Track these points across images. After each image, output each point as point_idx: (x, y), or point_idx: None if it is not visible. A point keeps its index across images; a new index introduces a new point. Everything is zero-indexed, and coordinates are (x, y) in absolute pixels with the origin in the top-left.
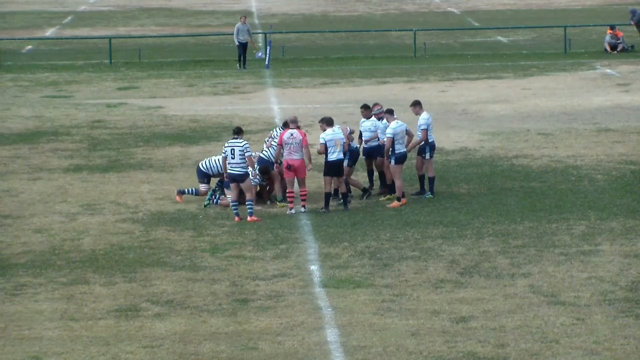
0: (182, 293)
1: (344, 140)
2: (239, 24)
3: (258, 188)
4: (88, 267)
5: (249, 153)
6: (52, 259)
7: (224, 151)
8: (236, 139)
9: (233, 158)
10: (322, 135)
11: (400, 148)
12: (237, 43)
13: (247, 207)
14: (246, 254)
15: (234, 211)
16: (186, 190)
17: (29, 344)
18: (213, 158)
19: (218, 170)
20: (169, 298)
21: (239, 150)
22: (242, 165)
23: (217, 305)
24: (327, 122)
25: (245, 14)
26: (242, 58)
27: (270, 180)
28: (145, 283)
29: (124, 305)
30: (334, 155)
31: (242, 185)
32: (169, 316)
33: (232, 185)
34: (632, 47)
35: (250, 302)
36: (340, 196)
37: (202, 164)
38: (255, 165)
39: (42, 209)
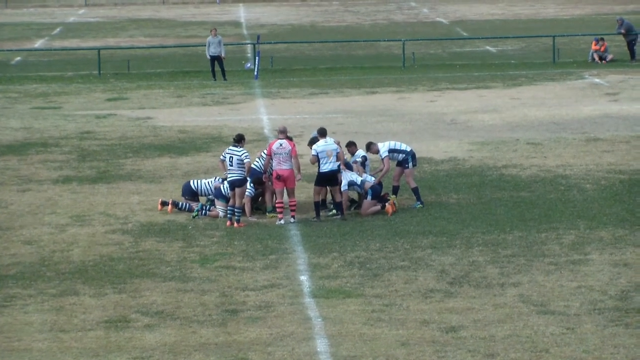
0: (171, 304)
1: (338, 150)
2: (210, 37)
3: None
4: (78, 279)
5: (248, 160)
6: (42, 271)
7: (222, 156)
8: (236, 147)
9: (231, 165)
10: (314, 146)
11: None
12: (208, 57)
13: (235, 213)
14: (236, 265)
15: (229, 216)
16: (180, 204)
17: (19, 355)
18: (204, 181)
19: (207, 192)
20: (158, 309)
21: (237, 159)
22: (239, 172)
23: (206, 316)
24: (320, 133)
25: (216, 27)
26: (214, 71)
27: (264, 191)
28: (134, 294)
29: (113, 316)
30: (327, 166)
31: (237, 190)
32: (159, 327)
33: (231, 193)
34: (613, 59)
35: (240, 312)
36: (335, 205)
37: (193, 183)
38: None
39: (32, 221)
